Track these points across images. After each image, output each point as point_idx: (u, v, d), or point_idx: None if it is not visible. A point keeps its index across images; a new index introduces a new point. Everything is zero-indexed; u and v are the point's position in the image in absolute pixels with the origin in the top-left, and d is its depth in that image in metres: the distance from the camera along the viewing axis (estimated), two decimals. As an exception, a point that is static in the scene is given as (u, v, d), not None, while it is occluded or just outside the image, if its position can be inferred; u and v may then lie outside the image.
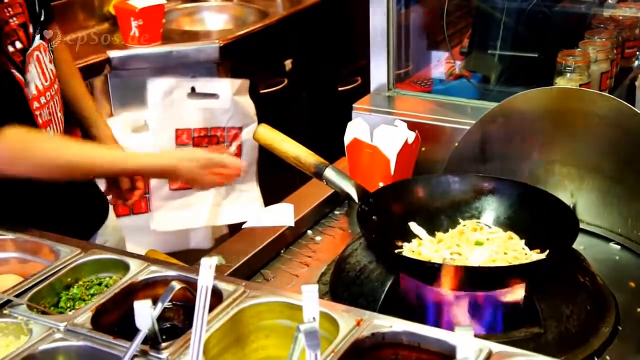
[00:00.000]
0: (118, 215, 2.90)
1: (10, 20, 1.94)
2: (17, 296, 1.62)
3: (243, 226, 2.15)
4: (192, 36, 3.81)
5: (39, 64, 2.02)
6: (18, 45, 1.96)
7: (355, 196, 1.94)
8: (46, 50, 2.04)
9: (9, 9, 1.94)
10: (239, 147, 3.60)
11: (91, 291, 1.69)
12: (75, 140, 2.15)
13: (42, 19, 2.04)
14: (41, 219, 1.97)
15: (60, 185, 2.04)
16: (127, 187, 2.20)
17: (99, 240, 2.26)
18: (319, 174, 1.97)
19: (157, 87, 3.32)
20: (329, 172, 1.96)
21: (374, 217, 1.86)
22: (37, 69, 2.01)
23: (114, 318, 1.61)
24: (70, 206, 2.16)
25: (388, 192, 1.98)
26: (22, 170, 1.93)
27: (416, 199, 1.96)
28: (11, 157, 1.92)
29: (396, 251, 1.81)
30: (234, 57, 3.69)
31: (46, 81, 2.04)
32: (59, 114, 2.10)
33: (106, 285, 1.70)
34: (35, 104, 2.00)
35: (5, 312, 1.58)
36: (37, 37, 2.01)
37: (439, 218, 1.94)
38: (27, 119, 1.98)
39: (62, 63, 2.22)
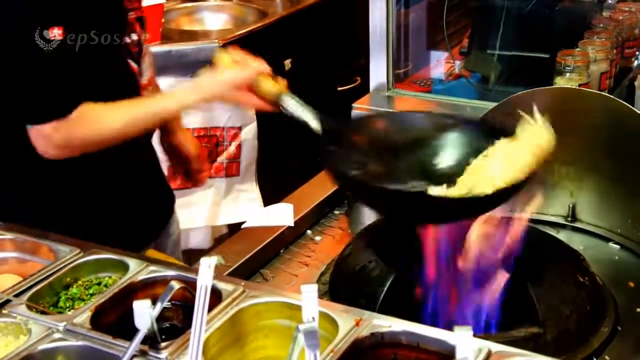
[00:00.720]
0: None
1: (130, 14, 2.06)
2: (16, 296, 1.62)
3: (242, 226, 2.15)
4: (192, 36, 3.82)
5: (149, 56, 2.16)
6: (134, 37, 2.06)
7: (314, 124, 1.80)
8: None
9: (130, 1, 2.06)
10: (238, 147, 3.60)
11: (90, 291, 1.69)
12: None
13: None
14: (112, 218, 2.08)
15: (129, 182, 2.14)
16: (197, 167, 2.29)
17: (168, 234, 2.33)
18: (276, 103, 1.86)
19: None
20: (287, 100, 1.84)
21: (333, 147, 1.73)
22: (149, 60, 2.15)
23: (113, 318, 1.60)
24: (140, 202, 2.20)
25: (352, 123, 1.92)
26: (101, 131, 1.95)
27: (381, 133, 1.82)
28: (89, 120, 1.93)
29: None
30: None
31: (151, 73, 2.18)
32: None
33: (105, 285, 1.69)
34: (145, 94, 2.13)
35: (4, 312, 1.58)
36: (145, 33, 2.14)
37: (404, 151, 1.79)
38: None
39: None
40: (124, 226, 2.10)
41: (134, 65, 2.10)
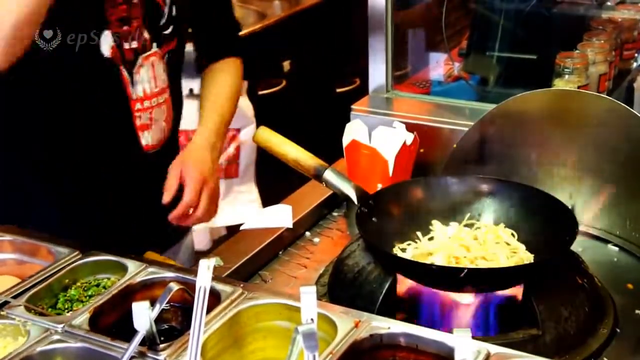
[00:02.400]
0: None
1: (134, 21, 1.97)
2: (14, 297, 1.62)
3: (241, 227, 2.15)
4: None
5: (152, 69, 2.04)
6: (134, 45, 1.98)
7: (354, 198, 1.93)
8: (161, 59, 2.06)
9: (133, 11, 1.97)
10: (237, 149, 3.60)
11: (89, 292, 1.69)
12: None
13: (166, 32, 2.06)
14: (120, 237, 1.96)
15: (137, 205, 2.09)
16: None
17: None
18: (318, 176, 1.97)
19: None
20: (329, 174, 1.96)
21: (373, 218, 1.87)
22: (150, 74, 2.03)
23: (112, 319, 1.60)
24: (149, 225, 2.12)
25: (387, 193, 1.98)
26: None
27: (415, 201, 1.96)
28: None
29: (398, 253, 1.82)
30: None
31: (156, 87, 2.06)
32: (162, 123, 2.10)
33: (104, 287, 1.70)
34: (138, 105, 2.02)
35: (2, 313, 1.58)
36: (155, 44, 2.03)
37: (438, 220, 1.94)
38: (125, 116, 2.01)
39: (223, 72, 2.29)
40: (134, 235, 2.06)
41: (125, 74, 2.00)
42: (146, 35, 2.02)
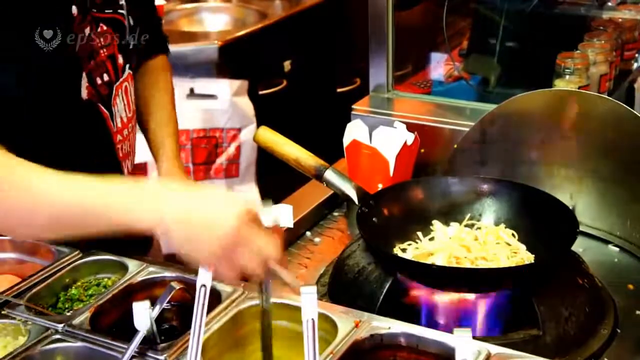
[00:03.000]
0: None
1: (101, 52, 1.83)
2: (15, 297, 1.62)
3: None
4: (191, 37, 3.82)
5: (126, 95, 1.93)
6: (105, 78, 1.85)
7: (355, 198, 1.94)
8: (132, 80, 1.96)
9: (100, 39, 1.82)
10: (238, 148, 3.60)
11: (89, 292, 1.69)
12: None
13: (130, 46, 1.93)
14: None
15: None
16: None
17: None
18: (319, 176, 1.98)
19: None
20: (329, 174, 1.96)
21: (373, 219, 1.87)
22: (124, 101, 1.92)
23: (113, 319, 1.61)
24: None
25: (387, 194, 1.99)
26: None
27: (416, 201, 1.97)
28: None
29: (396, 253, 1.82)
30: (233, 58, 3.69)
31: (130, 112, 1.95)
32: (135, 146, 2.01)
33: (104, 286, 1.70)
34: (119, 137, 1.90)
35: (3, 312, 1.58)
36: (127, 67, 1.92)
37: (439, 220, 1.94)
38: (109, 152, 1.88)
39: (157, 89, 2.13)
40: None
41: (103, 109, 1.85)
42: (120, 60, 1.89)
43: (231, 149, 3.60)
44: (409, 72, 2.97)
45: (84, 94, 1.80)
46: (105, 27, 1.84)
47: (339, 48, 4.30)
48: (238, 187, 3.67)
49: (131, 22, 1.93)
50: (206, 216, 1.40)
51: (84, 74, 1.79)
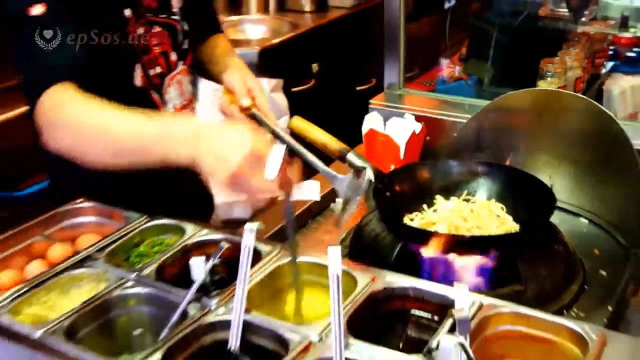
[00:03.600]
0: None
1: (154, 49, 1.88)
2: (96, 252, 1.65)
3: (277, 199, 2.15)
4: (236, 43, 3.79)
5: (180, 86, 1.96)
6: (158, 70, 1.89)
7: (371, 176, 1.94)
8: (187, 73, 1.98)
9: (153, 39, 1.87)
10: (274, 136, 3.60)
11: (155, 249, 1.70)
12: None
13: (185, 47, 1.97)
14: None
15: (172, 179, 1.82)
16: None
17: None
18: (342, 158, 1.98)
19: (207, 85, 3.33)
20: (351, 156, 1.96)
21: (387, 193, 1.88)
22: (177, 90, 1.95)
23: (174, 272, 1.62)
24: (180, 201, 1.98)
25: (399, 173, 1.99)
26: (57, 138, 1.61)
27: (422, 180, 1.97)
28: (47, 122, 1.61)
29: (405, 222, 1.83)
30: (271, 61, 3.69)
31: (183, 100, 1.99)
32: None
33: (167, 245, 1.71)
34: None
35: (87, 264, 1.61)
36: (180, 63, 1.95)
37: (441, 195, 1.94)
38: None
39: (217, 46, 2.12)
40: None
41: (155, 96, 1.89)
42: (173, 57, 1.92)
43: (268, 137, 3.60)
44: (417, 73, 2.97)
45: (138, 81, 1.83)
46: (159, 29, 1.87)
47: (358, 53, 4.30)
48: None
49: (185, 27, 1.94)
50: (227, 142, 1.44)
51: (138, 65, 1.82)
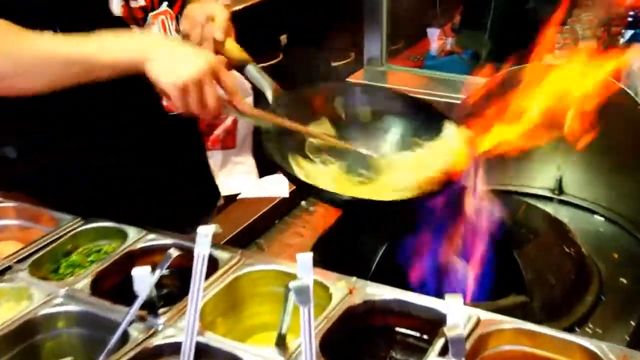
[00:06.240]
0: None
1: None
2: (18, 262, 1.62)
3: (238, 197, 2.14)
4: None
5: (163, 28, 2.00)
6: (141, 2, 1.93)
7: (270, 96, 1.88)
8: (173, 19, 2.02)
9: None
10: (234, 120, 3.59)
11: (90, 258, 1.69)
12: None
13: None
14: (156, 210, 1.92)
15: (174, 174, 1.99)
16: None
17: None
18: (240, 69, 1.92)
19: None
20: (250, 69, 1.91)
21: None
22: (161, 31, 2.00)
23: (113, 284, 1.60)
24: (182, 196, 2.04)
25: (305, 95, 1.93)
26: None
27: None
28: None
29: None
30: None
31: None
32: None
33: (105, 253, 1.69)
34: None
35: (6, 277, 1.58)
36: (165, 3, 2.00)
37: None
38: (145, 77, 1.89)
39: None
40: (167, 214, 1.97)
41: (137, 30, 1.92)
42: None
43: (228, 121, 3.59)
44: (402, 46, 2.97)
45: (117, 10, 1.88)
46: None
47: (333, 23, 4.29)
48: (234, 157, 3.66)
49: None
50: (184, 51, 1.68)
51: None
